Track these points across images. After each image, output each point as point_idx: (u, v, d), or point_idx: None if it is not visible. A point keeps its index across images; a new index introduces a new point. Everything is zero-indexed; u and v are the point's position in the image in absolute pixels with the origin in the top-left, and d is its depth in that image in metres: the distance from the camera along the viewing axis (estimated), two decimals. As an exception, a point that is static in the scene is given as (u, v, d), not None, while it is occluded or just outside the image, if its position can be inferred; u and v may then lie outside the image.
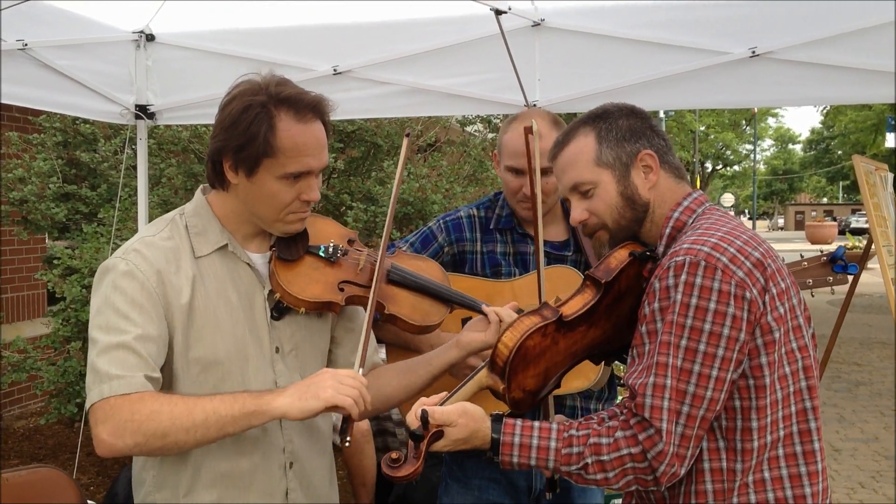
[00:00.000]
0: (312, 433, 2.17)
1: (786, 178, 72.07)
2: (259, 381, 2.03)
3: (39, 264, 7.65)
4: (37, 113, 6.65)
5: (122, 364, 1.84)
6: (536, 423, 1.83)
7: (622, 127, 1.96)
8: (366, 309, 2.11)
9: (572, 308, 1.91)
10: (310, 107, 1.96)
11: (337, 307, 2.11)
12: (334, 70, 4.05)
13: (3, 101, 3.53)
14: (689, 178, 2.05)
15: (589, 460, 1.77)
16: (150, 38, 4.13)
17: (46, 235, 6.83)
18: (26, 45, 3.55)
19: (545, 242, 2.70)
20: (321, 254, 2.13)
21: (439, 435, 1.80)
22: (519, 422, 1.83)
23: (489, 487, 2.73)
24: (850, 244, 18.49)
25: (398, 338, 2.52)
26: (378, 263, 2.14)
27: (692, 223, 1.91)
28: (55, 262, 5.86)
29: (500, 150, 2.72)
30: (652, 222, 1.96)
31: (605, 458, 1.77)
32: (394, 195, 2.29)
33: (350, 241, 2.22)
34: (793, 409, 1.83)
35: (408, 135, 2.34)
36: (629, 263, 1.92)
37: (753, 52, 3.63)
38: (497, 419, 1.84)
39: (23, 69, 3.64)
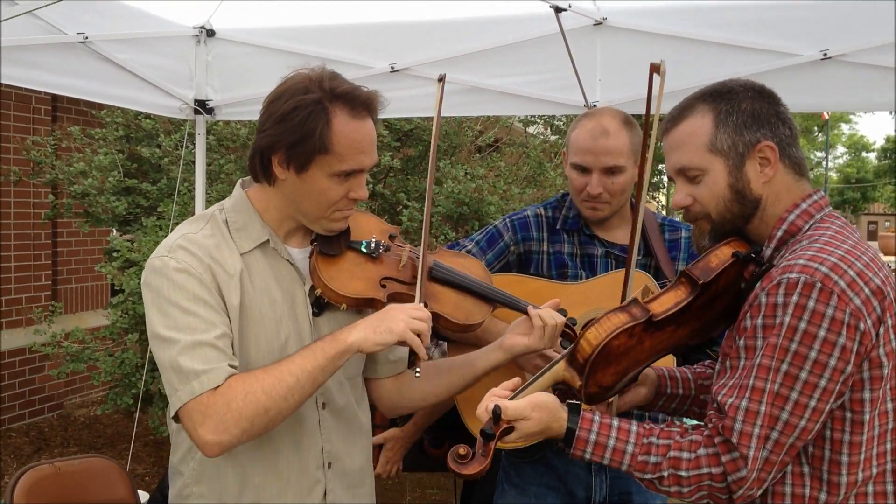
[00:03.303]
0: (352, 431, 2.15)
1: (858, 187, 70.16)
2: None
3: (103, 256, 7.79)
4: (99, 107, 6.76)
5: (206, 359, 1.82)
6: (615, 423, 1.75)
7: (745, 110, 1.79)
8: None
9: (663, 306, 1.80)
10: (364, 104, 1.94)
11: (379, 304, 2.06)
12: (391, 68, 4.01)
13: (65, 94, 3.58)
14: (810, 174, 1.89)
15: (666, 473, 1.69)
16: (211, 33, 4.14)
17: (115, 229, 6.96)
18: (87, 38, 3.58)
19: (612, 245, 2.64)
20: (363, 249, 2.09)
21: (510, 430, 1.73)
22: (597, 417, 1.75)
23: (546, 494, 2.66)
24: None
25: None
26: (421, 257, 2.09)
27: (808, 230, 1.76)
28: (115, 254, 5.94)
29: (567, 148, 2.65)
30: (761, 220, 1.81)
31: (683, 473, 1.68)
32: (432, 154, 2.23)
33: (391, 237, 2.18)
34: (888, 446, 1.70)
35: (441, 79, 2.24)
36: (731, 264, 1.79)
37: (825, 54, 3.50)
38: (574, 409, 1.76)
39: (83, 62, 3.68)
